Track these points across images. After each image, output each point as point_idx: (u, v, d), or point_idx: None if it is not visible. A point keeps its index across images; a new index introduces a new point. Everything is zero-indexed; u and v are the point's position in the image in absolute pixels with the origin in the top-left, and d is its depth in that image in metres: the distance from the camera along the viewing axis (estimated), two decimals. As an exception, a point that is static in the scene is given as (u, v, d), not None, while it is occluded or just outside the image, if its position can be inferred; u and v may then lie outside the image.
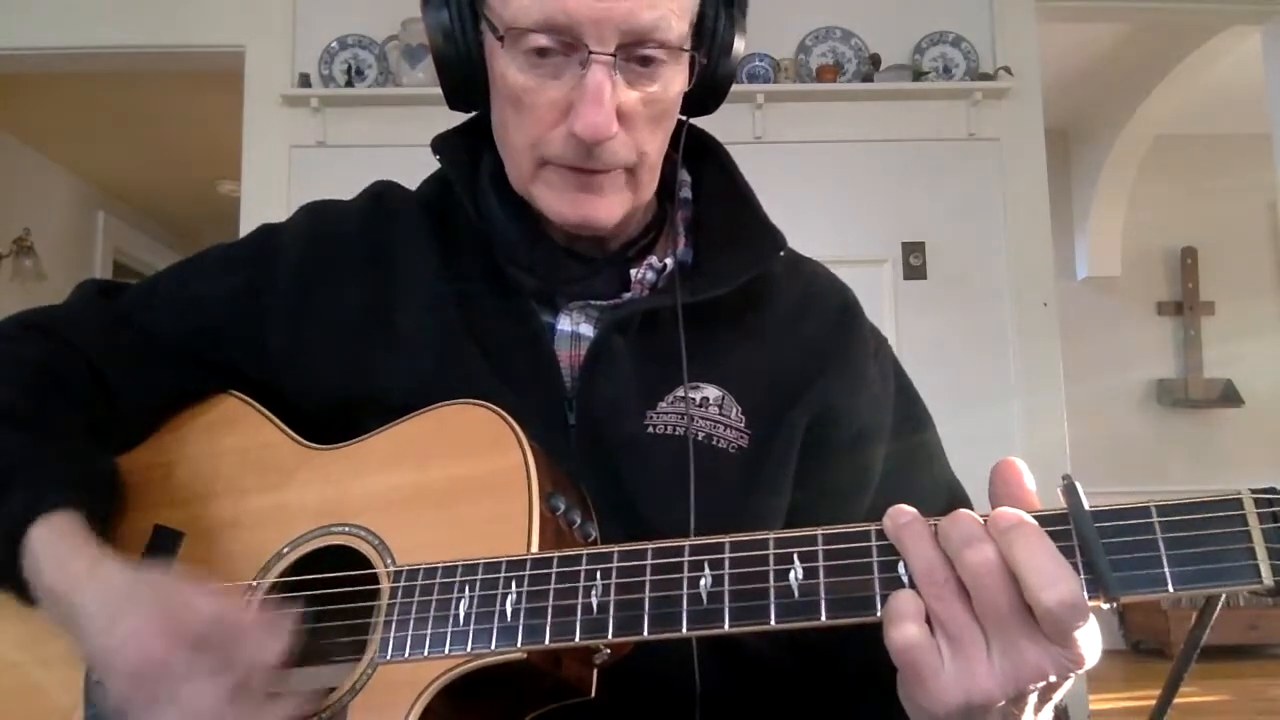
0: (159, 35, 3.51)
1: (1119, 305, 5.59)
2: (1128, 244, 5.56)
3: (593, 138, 0.72)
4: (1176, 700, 0.56)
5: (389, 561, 0.68)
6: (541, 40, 0.72)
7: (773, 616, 0.55)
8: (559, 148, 0.75)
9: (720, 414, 0.79)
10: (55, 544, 0.70)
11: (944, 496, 0.85)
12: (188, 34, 3.51)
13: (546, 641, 0.59)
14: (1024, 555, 0.50)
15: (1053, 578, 0.49)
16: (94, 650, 0.66)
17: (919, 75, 3.51)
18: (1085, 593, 0.50)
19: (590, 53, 0.71)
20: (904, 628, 0.51)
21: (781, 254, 0.85)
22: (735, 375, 0.81)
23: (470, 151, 0.87)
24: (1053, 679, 0.51)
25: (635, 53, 0.73)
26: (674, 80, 0.77)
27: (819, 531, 0.56)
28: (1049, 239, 3.53)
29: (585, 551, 0.61)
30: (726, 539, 0.58)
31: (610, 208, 0.78)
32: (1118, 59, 4.90)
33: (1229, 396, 5.46)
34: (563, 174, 0.76)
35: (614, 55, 0.72)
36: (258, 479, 0.79)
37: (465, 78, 0.80)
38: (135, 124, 4.86)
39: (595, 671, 0.65)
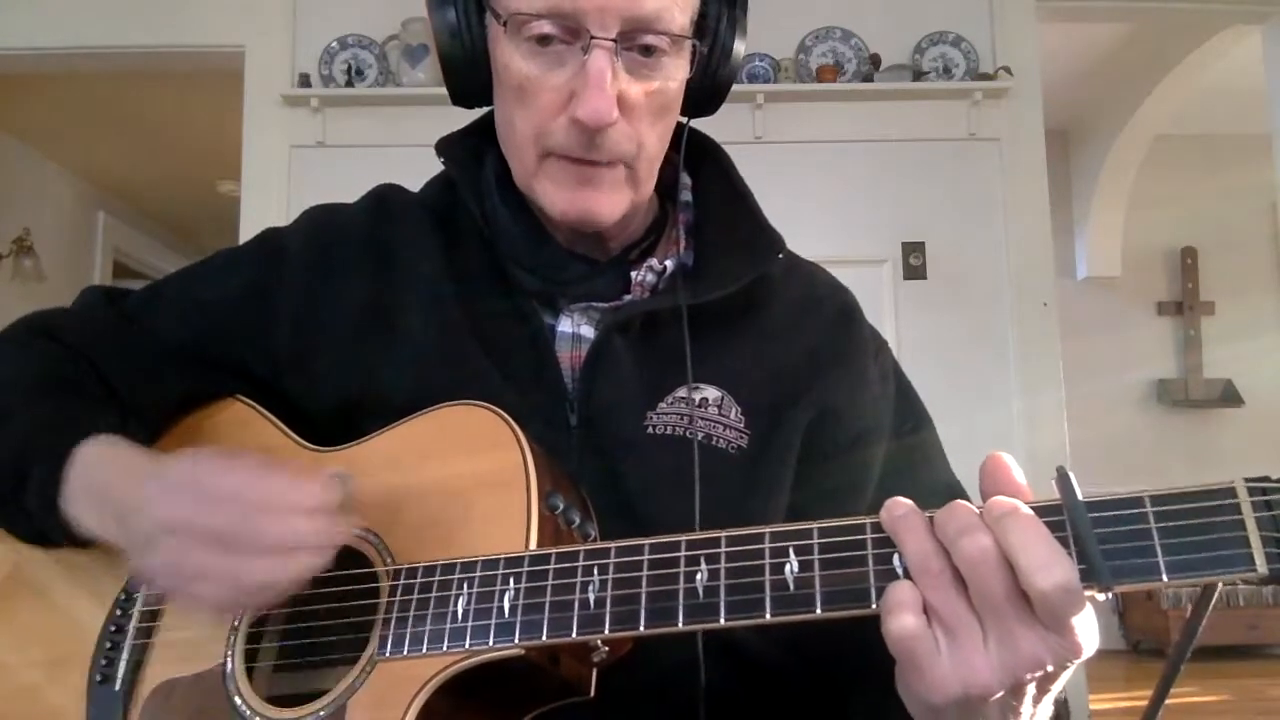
0: (159, 35, 3.51)
1: (1119, 305, 5.59)
2: (1128, 244, 5.57)
3: (595, 122, 0.73)
4: (1177, 700, 0.56)
5: (388, 560, 0.68)
6: (545, 26, 0.73)
7: (768, 610, 0.55)
8: (561, 137, 0.75)
9: (720, 414, 0.80)
10: (111, 447, 0.71)
11: (944, 496, 0.85)
12: (188, 34, 3.51)
13: (543, 637, 0.59)
14: (1018, 541, 0.50)
15: (1047, 562, 0.49)
16: (144, 517, 0.64)
17: (919, 75, 3.51)
18: (1080, 580, 0.50)
19: (592, 38, 0.72)
20: (901, 618, 0.51)
21: (780, 256, 0.85)
22: (735, 376, 0.81)
23: (474, 153, 0.88)
24: (1050, 669, 0.51)
25: (637, 41, 0.74)
26: (675, 72, 0.77)
27: (814, 525, 0.56)
28: (1049, 239, 3.52)
29: (582, 548, 0.61)
30: (723, 534, 0.58)
31: (610, 203, 0.78)
32: (1118, 59, 4.90)
33: (1229, 396, 5.47)
34: (564, 166, 0.77)
35: (615, 41, 0.72)
36: None
37: (470, 74, 0.80)
38: (135, 124, 4.87)
39: (594, 671, 0.65)
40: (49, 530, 0.73)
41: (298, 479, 0.62)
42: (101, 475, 0.70)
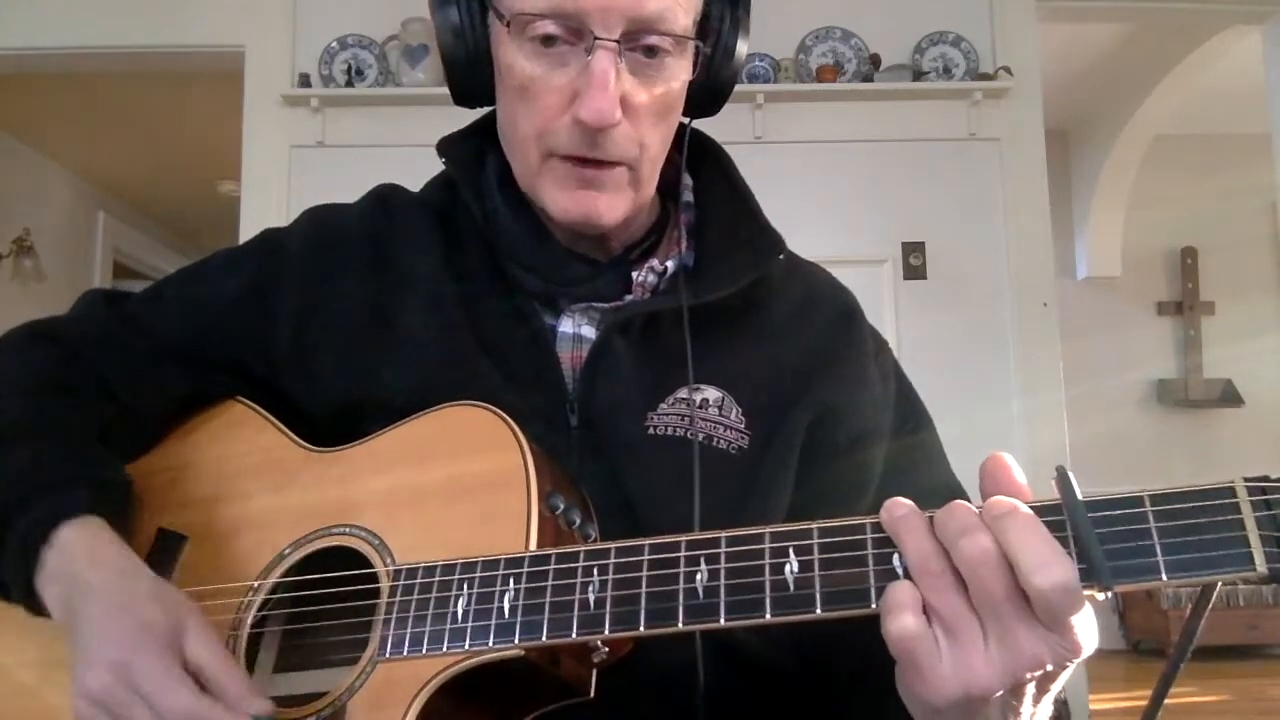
0: (159, 35, 3.51)
1: (1119, 305, 5.59)
2: (1128, 244, 5.57)
3: (598, 123, 0.73)
4: (1177, 700, 0.56)
5: (389, 561, 0.68)
6: (548, 27, 0.73)
7: (768, 610, 0.55)
8: (564, 138, 0.75)
9: (720, 415, 0.80)
10: (89, 540, 0.71)
11: (944, 497, 0.85)
12: (188, 34, 3.51)
13: (543, 638, 0.59)
14: (1017, 540, 0.50)
15: (1046, 561, 0.49)
16: (79, 651, 0.66)
17: (919, 75, 3.51)
18: (1079, 579, 0.50)
19: (595, 39, 0.72)
20: (901, 618, 0.51)
21: (781, 257, 0.85)
22: (735, 377, 0.81)
23: (475, 153, 0.88)
24: (1050, 668, 0.51)
25: (640, 41, 0.74)
26: (678, 73, 0.77)
27: (814, 525, 0.56)
28: (1049, 239, 3.52)
29: (582, 549, 0.61)
30: (723, 534, 0.58)
31: (612, 205, 0.78)
32: (1118, 59, 4.90)
33: (1229, 396, 5.47)
34: (567, 167, 0.77)
35: (619, 42, 0.72)
36: (260, 482, 0.79)
37: (472, 73, 0.80)
38: (135, 124, 4.87)
39: (594, 672, 0.65)
40: (8, 586, 0.73)
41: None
42: (79, 573, 0.70)
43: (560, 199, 0.78)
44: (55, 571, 0.70)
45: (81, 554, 0.70)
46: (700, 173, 0.90)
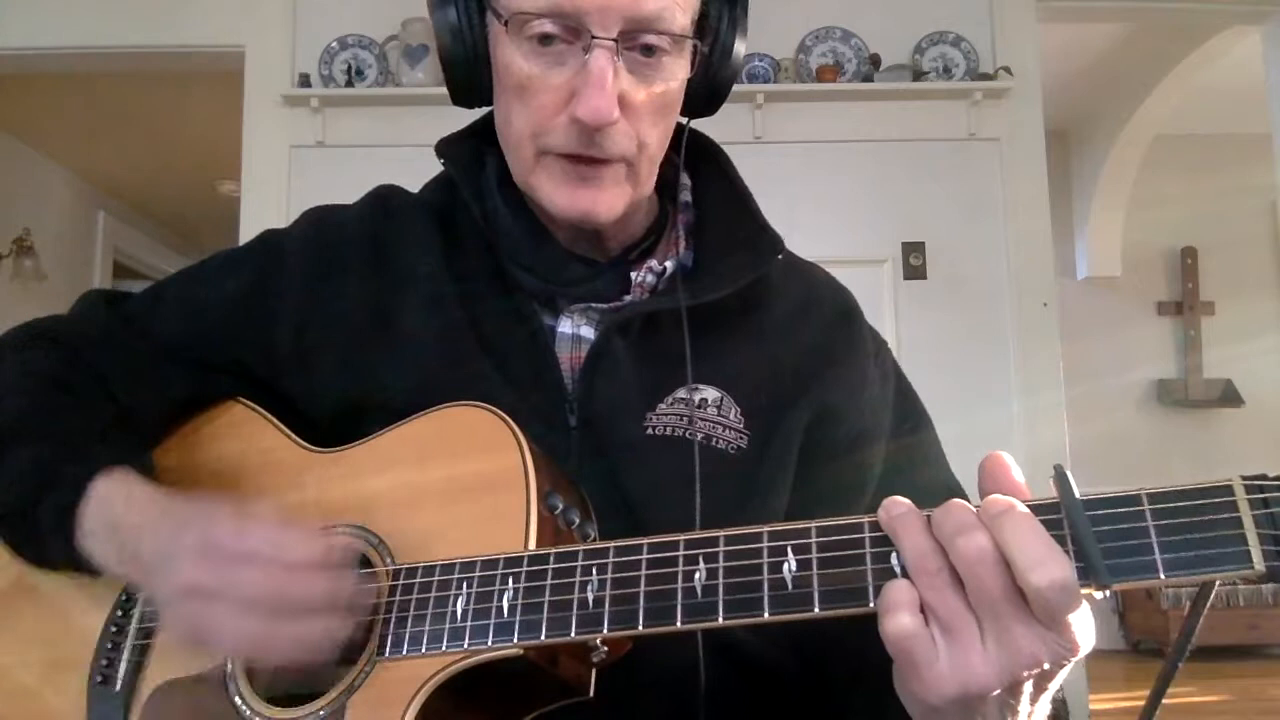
0: (159, 35, 3.51)
1: (1119, 305, 5.59)
2: (1128, 244, 5.57)
3: (595, 121, 0.73)
4: (1177, 700, 0.56)
5: (388, 561, 0.68)
6: (546, 26, 0.73)
7: (766, 608, 0.55)
8: (560, 137, 0.75)
9: (719, 415, 0.80)
10: (123, 489, 0.72)
11: (943, 497, 0.85)
12: (188, 34, 3.51)
13: (542, 637, 0.59)
14: (1013, 538, 0.50)
15: (1043, 559, 0.49)
16: (149, 577, 0.66)
17: (919, 75, 3.51)
18: (1076, 576, 0.50)
19: (593, 38, 0.72)
20: (898, 617, 0.51)
21: (780, 257, 0.85)
22: (734, 377, 0.81)
23: (474, 153, 0.88)
24: (1047, 667, 0.51)
25: (638, 40, 0.74)
26: (676, 72, 0.77)
27: (812, 524, 0.57)
28: (1049, 239, 3.52)
29: (581, 548, 0.61)
30: (721, 533, 0.58)
31: (609, 201, 0.78)
32: (1118, 59, 4.90)
33: (1229, 396, 5.47)
34: (563, 164, 0.77)
35: (616, 41, 0.73)
36: (261, 483, 0.79)
37: (471, 73, 0.80)
38: (135, 124, 4.87)
39: (594, 671, 0.65)
40: (53, 556, 0.73)
41: (312, 538, 0.63)
42: (120, 516, 0.70)
43: (556, 196, 0.78)
44: (95, 526, 0.70)
45: (120, 501, 0.71)
46: (699, 173, 0.90)
